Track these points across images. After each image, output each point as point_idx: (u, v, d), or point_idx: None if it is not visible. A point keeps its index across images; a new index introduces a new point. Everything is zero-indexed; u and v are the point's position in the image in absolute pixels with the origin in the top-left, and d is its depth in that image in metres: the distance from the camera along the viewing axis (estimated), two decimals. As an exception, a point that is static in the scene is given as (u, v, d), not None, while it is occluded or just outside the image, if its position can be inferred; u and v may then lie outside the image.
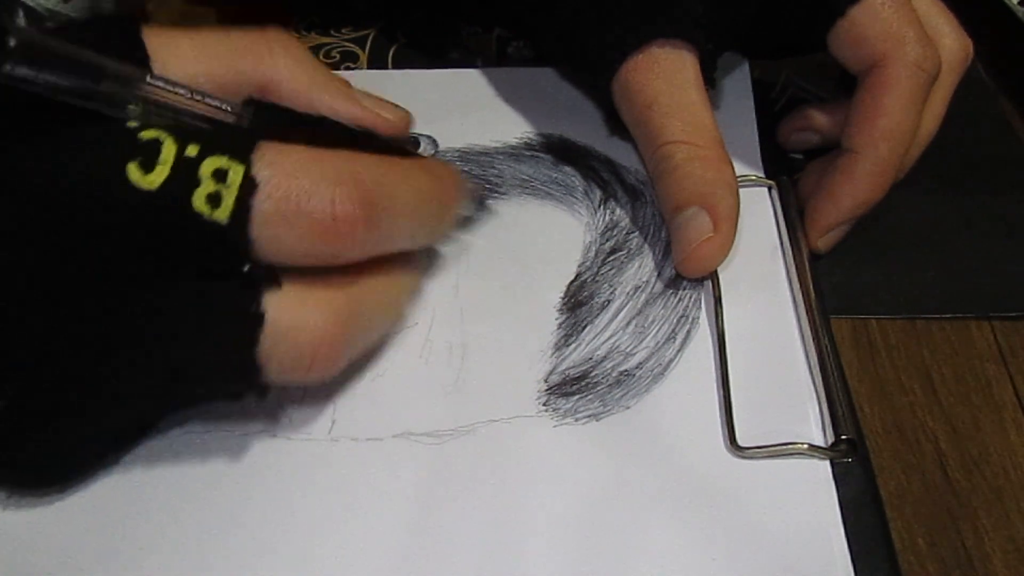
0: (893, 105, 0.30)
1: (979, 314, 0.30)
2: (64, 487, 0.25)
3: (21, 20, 0.21)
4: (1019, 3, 0.41)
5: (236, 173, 0.20)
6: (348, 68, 0.40)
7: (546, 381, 0.28)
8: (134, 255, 0.20)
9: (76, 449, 0.24)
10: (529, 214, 0.33)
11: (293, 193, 0.21)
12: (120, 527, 0.24)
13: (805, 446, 0.25)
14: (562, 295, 0.30)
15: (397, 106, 0.28)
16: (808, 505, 0.24)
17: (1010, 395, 0.28)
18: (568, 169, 0.35)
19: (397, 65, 0.41)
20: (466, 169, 0.34)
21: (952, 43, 0.32)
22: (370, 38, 0.42)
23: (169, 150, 0.20)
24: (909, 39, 0.30)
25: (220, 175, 0.20)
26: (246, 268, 0.21)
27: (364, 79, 0.39)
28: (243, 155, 0.21)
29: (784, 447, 0.25)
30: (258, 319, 0.21)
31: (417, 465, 0.25)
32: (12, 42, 0.18)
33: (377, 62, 0.41)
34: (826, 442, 0.26)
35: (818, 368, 0.27)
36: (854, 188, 0.31)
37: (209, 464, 0.25)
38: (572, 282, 0.31)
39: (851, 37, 0.31)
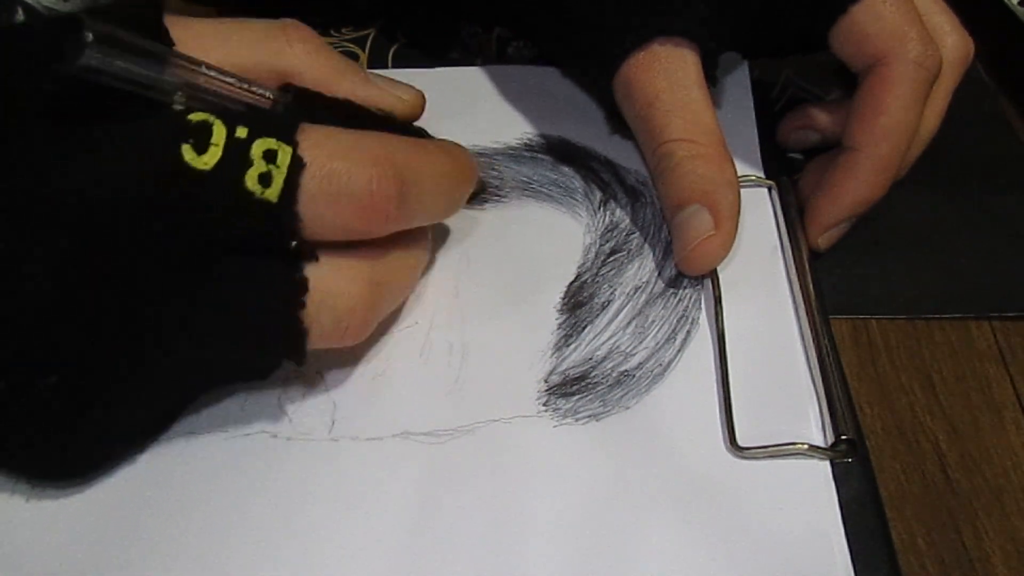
0: (894, 103, 0.30)
1: (979, 314, 0.30)
2: (88, 477, 0.25)
3: (20, 16, 0.21)
4: (1019, 3, 0.41)
5: (285, 154, 0.22)
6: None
7: (546, 381, 0.28)
8: (190, 233, 0.21)
9: (105, 437, 0.25)
10: (529, 215, 0.33)
11: (336, 173, 0.22)
12: (120, 527, 0.24)
13: (805, 446, 0.25)
14: (562, 296, 0.30)
15: (412, 88, 0.30)
16: (808, 505, 0.25)
17: (1010, 395, 0.28)
18: (568, 170, 0.35)
19: (397, 65, 0.40)
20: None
21: (953, 42, 0.32)
22: (370, 38, 0.42)
23: (220, 132, 0.21)
24: (911, 37, 0.30)
25: (270, 156, 0.21)
26: (293, 244, 0.22)
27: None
28: (289, 137, 0.22)
29: (784, 447, 0.25)
30: (303, 286, 0.23)
31: (417, 465, 0.25)
32: (90, 36, 0.19)
33: (377, 62, 0.41)
34: (826, 442, 0.26)
35: (818, 368, 0.27)
36: (855, 186, 0.31)
37: (210, 464, 0.25)
38: (572, 283, 0.31)
39: (853, 35, 0.31)
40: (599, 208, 0.33)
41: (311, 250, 0.23)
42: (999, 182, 0.35)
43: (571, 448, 0.26)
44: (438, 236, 0.32)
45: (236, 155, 0.21)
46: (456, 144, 0.28)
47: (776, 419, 0.26)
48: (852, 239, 0.32)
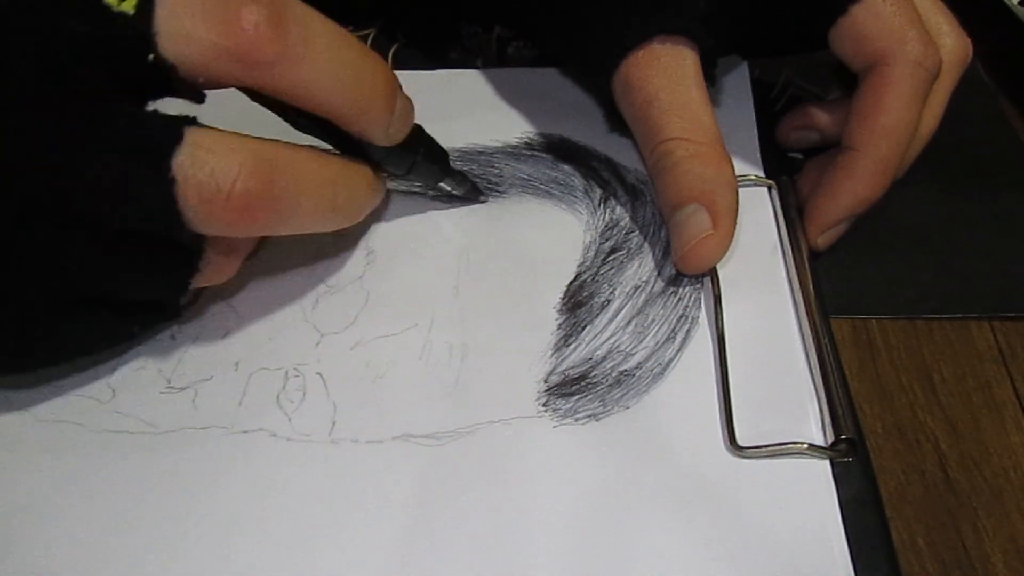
0: (894, 103, 0.30)
1: (979, 314, 0.30)
2: (27, 364, 0.25)
3: None
4: (1019, 3, 0.41)
5: None
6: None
7: (546, 381, 0.28)
8: (51, 53, 0.20)
9: (26, 323, 0.24)
10: (529, 213, 0.33)
11: None
12: (119, 527, 0.24)
13: (805, 446, 0.25)
14: (562, 295, 0.30)
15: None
16: (808, 505, 0.24)
17: (1010, 395, 0.28)
18: (568, 168, 0.35)
19: (397, 65, 0.40)
20: (466, 168, 0.34)
21: (952, 42, 0.32)
22: (370, 38, 0.42)
23: None
24: (910, 37, 0.30)
25: None
26: (151, 58, 0.21)
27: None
28: None
29: (784, 447, 0.25)
30: (177, 135, 0.22)
31: (417, 466, 0.25)
32: None
33: (377, 62, 0.41)
34: (826, 442, 0.26)
35: (818, 368, 0.27)
36: (854, 186, 0.31)
37: (209, 465, 0.25)
38: (572, 282, 0.30)
39: (852, 35, 0.31)
40: (599, 206, 0.33)
41: (186, 81, 0.22)
42: (999, 182, 0.35)
43: (571, 448, 0.26)
44: (438, 236, 0.32)
45: None
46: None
47: (776, 419, 0.26)
48: (852, 239, 0.32)
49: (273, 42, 0.22)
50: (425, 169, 0.30)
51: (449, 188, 0.32)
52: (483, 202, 0.33)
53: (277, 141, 0.24)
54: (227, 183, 0.22)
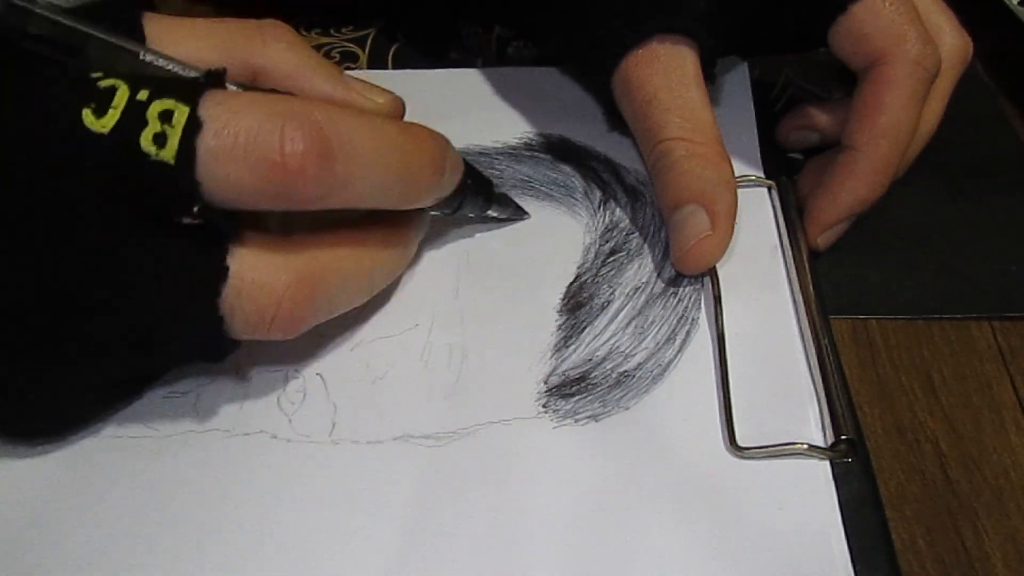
0: (894, 103, 0.30)
1: (979, 314, 0.30)
2: (54, 438, 0.25)
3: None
4: (1019, 3, 0.40)
5: (181, 113, 0.20)
6: (348, 68, 0.40)
7: (546, 382, 0.28)
8: (90, 199, 0.21)
9: (58, 402, 0.24)
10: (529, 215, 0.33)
11: (241, 130, 0.21)
12: (122, 531, 0.24)
13: (805, 446, 0.25)
14: (562, 296, 0.30)
15: (389, 92, 0.29)
16: (808, 505, 0.24)
17: (1010, 395, 0.28)
18: (568, 169, 0.35)
19: (397, 65, 0.41)
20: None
21: (952, 41, 0.32)
22: (370, 38, 0.42)
23: (122, 95, 0.21)
24: (910, 37, 0.30)
25: (166, 116, 0.20)
26: (196, 209, 0.21)
27: (364, 79, 0.39)
28: (190, 97, 0.21)
29: (784, 447, 0.25)
30: (222, 270, 0.22)
31: (417, 467, 0.25)
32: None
33: (377, 62, 0.41)
34: (826, 442, 0.26)
35: (818, 368, 0.27)
36: (854, 186, 0.31)
37: (209, 465, 0.25)
38: (572, 283, 0.30)
39: (852, 34, 0.31)
40: (599, 208, 0.33)
41: (229, 222, 0.22)
42: (999, 182, 0.35)
43: (571, 449, 0.26)
44: (438, 236, 0.32)
45: (133, 116, 0.20)
46: (422, 126, 0.26)
47: (776, 419, 0.26)
48: (852, 239, 0.32)
49: (320, 178, 0.22)
50: (472, 203, 0.30)
51: (496, 214, 0.32)
52: (527, 218, 0.33)
53: (317, 240, 0.24)
54: (271, 311, 0.23)
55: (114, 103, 0.20)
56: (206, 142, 0.20)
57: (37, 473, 0.25)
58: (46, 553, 0.24)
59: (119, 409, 0.26)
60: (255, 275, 0.22)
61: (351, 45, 0.42)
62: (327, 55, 0.41)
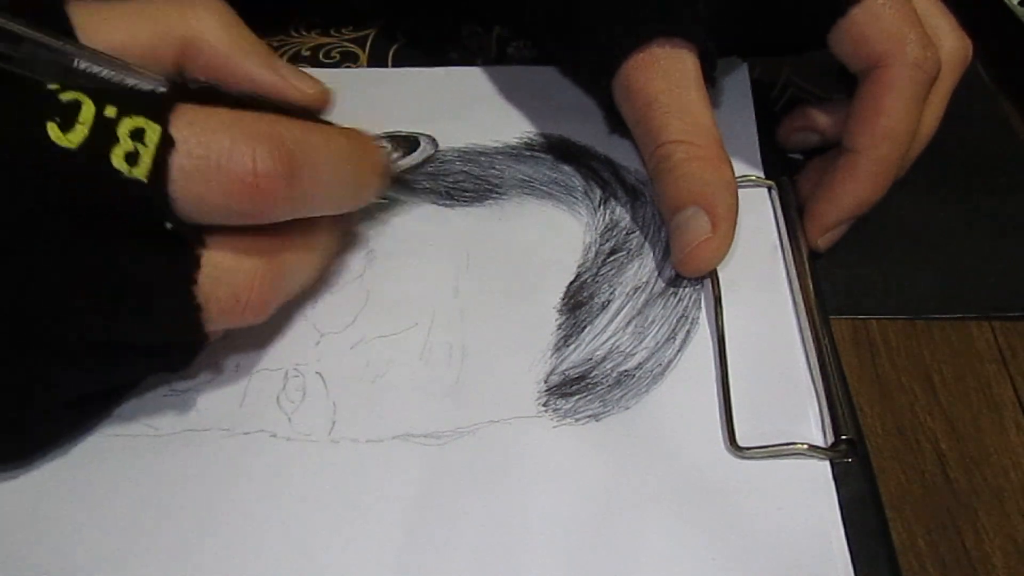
0: (894, 105, 0.30)
1: (979, 314, 0.30)
2: (25, 460, 0.25)
3: None
4: (1019, 3, 0.41)
5: (153, 132, 0.21)
6: (348, 68, 0.40)
7: (546, 382, 0.28)
8: (58, 213, 0.20)
9: (30, 422, 0.24)
10: (529, 215, 0.33)
11: (213, 151, 0.21)
12: (118, 525, 0.24)
13: (805, 446, 0.25)
14: (562, 296, 0.30)
15: (318, 81, 0.29)
16: (808, 505, 0.24)
17: (1010, 395, 0.28)
18: (568, 169, 0.35)
19: (397, 65, 0.40)
20: (466, 169, 0.34)
21: (952, 43, 0.32)
22: (370, 38, 0.42)
23: (88, 110, 0.20)
24: (910, 39, 0.30)
25: (138, 134, 0.21)
26: (169, 227, 0.21)
27: (364, 77, 0.39)
28: (160, 115, 0.21)
29: (784, 447, 0.25)
30: (195, 261, 0.22)
31: (417, 466, 0.25)
32: None
33: (377, 62, 0.41)
34: (826, 442, 0.26)
35: (818, 368, 0.27)
36: (855, 187, 0.31)
37: (209, 464, 0.25)
38: (572, 283, 0.30)
39: (852, 37, 0.31)
40: (599, 207, 0.33)
41: (196, 234, 0.22)
42: (999, 182, 0.35)
43: (571, 448, 0.26)
44: (438, 236, 0.32)
45: (102, 133, 0.20)
46: (360, 131, 0.27)
47: (776, 419, 0.26)
48: (852, 239, 0.32)
49: (287, 197, 0.23)
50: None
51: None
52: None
53: (275, 228, 0.24)
54: (244, 295, 0.23)
55: (80, 119, 0.20)
56: (179, 162, 0.21)
57: (37, 472, 0.25)
58: (46, 552, 0.24)
59: (88, 429, 0.26)
60: (225, 261, 0.23)
61: (351, 45, 0.42)
62: (327, 55, 0.41)
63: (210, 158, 0.21)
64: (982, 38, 0.34)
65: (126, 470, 0.25)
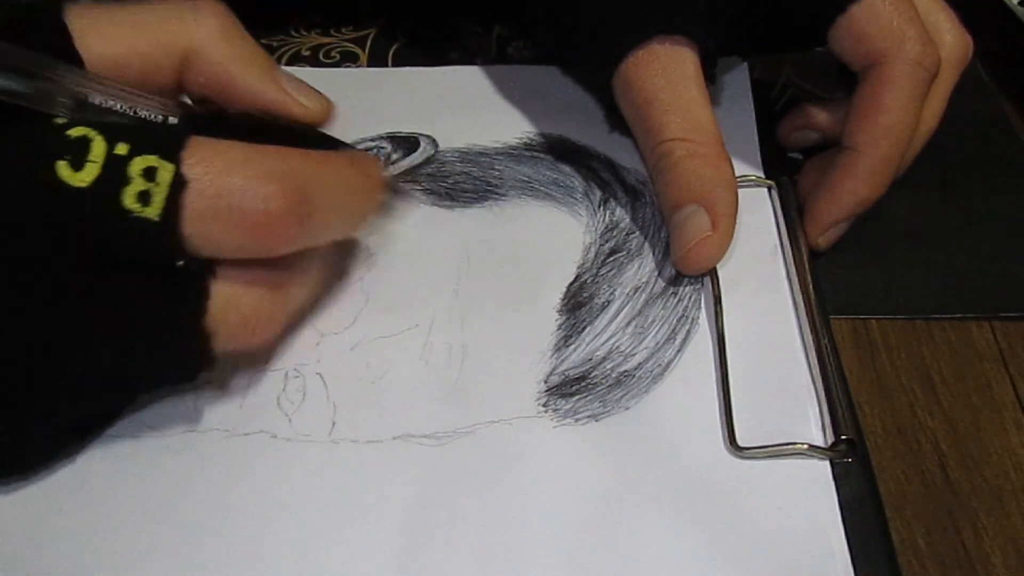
0: (894, 103, 0.30)
1: (979, 314, 0.30)
2: (26, 475, 0.25)
3: None
4: (1019, 3, 0.40)
5: (166, 171, 0.20)
6: (348, 68, 0.40)
7: (546, 382, 0.28)
8: (67, 251, 0.20)
9: (34, 441, 0.24)
10: (529, 215, 0.33)
11: (225, 191, 0.21)
12: (118, 526, 0.24)
13: (805, 446, 0.25)
14: (562, 296, 0.30)
15: (320, 94, 0.28)
16: (808, 505, 0.24)
17: (1010, 395, 0.28)
18: (568, 169, 0.35)
19: (397, 65, 0.40)
20: (466, 170, 0.34)
21: (952, 40, 0.32)
22: (370, 38, 0.42)
23: (99, 148, 0.20)
24: (909, 37, 0.30)
25: (150, 173, 0.20)
26: (180, 264, 0.21)
27: (364, 77, 0.39)
28: (172, 153, 0.21)
29: (784, 447, 0.25)
30: (204, 292, 0.22)
31: (417, 466, 0.25)
32: None
33: (377, 62, 0.41)
34: (826, 442, 0.26)
35: (818, 368, 0.27)
36: (855, 185, 0.31)
37: (209, 464, 0.25)
38: (572, 283, 0.30)
39: (851, 34, 0.31)
40: (599, 207, 0.33)
41: (206, 267, 0.22)
42: (999, 182, 0.35)
43: (571, 448, 0.26)
44: (438, 237, 0.32)
45: (114, 172, 0.20)
46: (364, 154, 0.27)
47: (776, 419, 0.26)
48: (852, 239, 0.32)
49: (299, 233, 0.23)
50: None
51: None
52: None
53: (289, 257, 0.24)
54: (253, 319, 0.24)
55: (91, 157, 0.20)
56: (191, 201, 0.21)
57: (37, 473, 0.25)
58: (47, 554, 0.24)
59: (88, 442, 0.26)
60: (232, 288, 0.23)
61: (351, 45, 0.42)
62: (327, 55, 0.41)
63: (222, 198, 0.21)
64: (982, 38, 0.34)
65: (127, 472, 0.25)
